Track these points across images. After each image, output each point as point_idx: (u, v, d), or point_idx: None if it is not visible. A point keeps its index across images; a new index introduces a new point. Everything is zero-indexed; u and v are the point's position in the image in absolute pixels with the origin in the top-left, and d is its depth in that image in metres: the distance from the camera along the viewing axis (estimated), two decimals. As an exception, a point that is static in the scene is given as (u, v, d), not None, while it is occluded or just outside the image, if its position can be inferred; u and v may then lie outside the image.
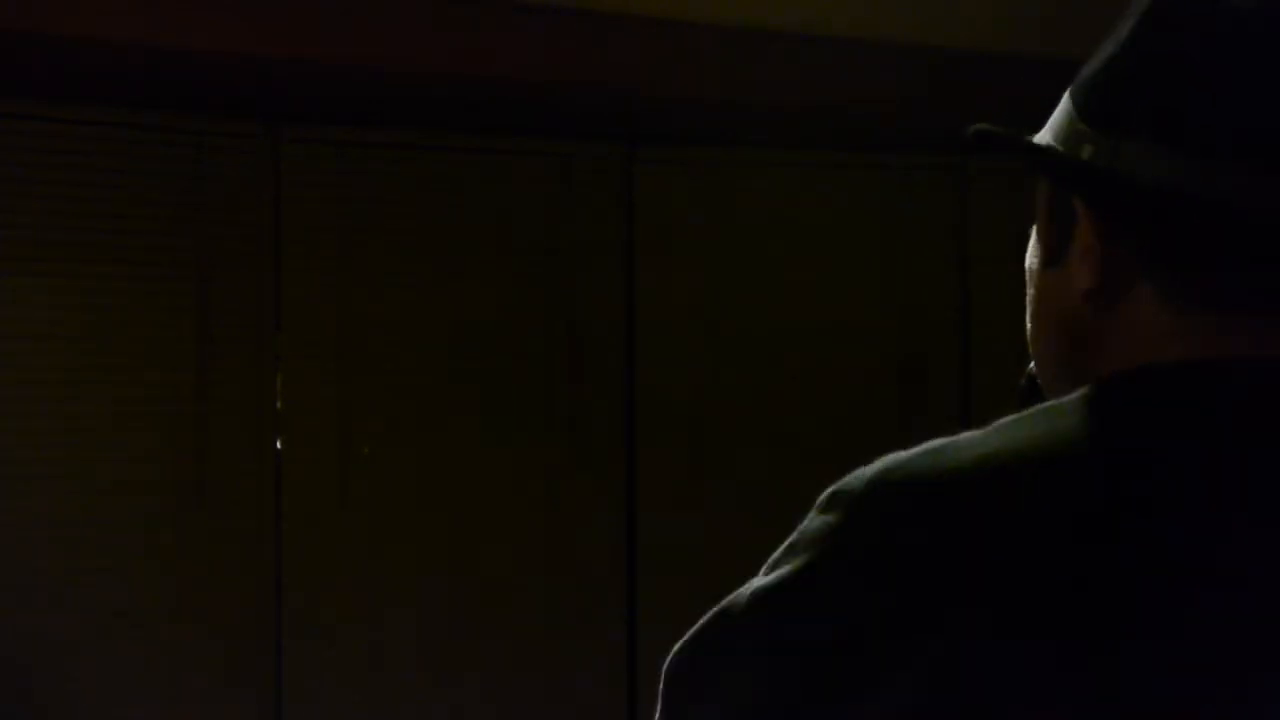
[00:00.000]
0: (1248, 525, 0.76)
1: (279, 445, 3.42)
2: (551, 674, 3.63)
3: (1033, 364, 0.98)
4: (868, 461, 0.89)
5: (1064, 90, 0.93)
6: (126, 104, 3.29)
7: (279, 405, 3.43)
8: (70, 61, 3.03)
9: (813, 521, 0.84)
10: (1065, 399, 0.84)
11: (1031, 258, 0.93)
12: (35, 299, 3.21)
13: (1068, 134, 0.87)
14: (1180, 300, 0.82)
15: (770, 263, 3.81)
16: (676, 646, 0.90)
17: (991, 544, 0.77)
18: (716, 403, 3.77)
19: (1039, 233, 0.92)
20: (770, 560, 0.86)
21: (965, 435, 0.84)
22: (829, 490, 0.85)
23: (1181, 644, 0.74)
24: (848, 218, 3.86)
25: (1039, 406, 0.86)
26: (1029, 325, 0.94)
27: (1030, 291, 0.93)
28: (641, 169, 3.74)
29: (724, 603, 0.87)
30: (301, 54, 3.03)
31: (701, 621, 0.88)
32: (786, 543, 0.85)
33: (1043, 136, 0.91)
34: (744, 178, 3.81)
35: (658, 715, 0.89)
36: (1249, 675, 0.74)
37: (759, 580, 0.85)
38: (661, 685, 0.90)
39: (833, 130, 3.72)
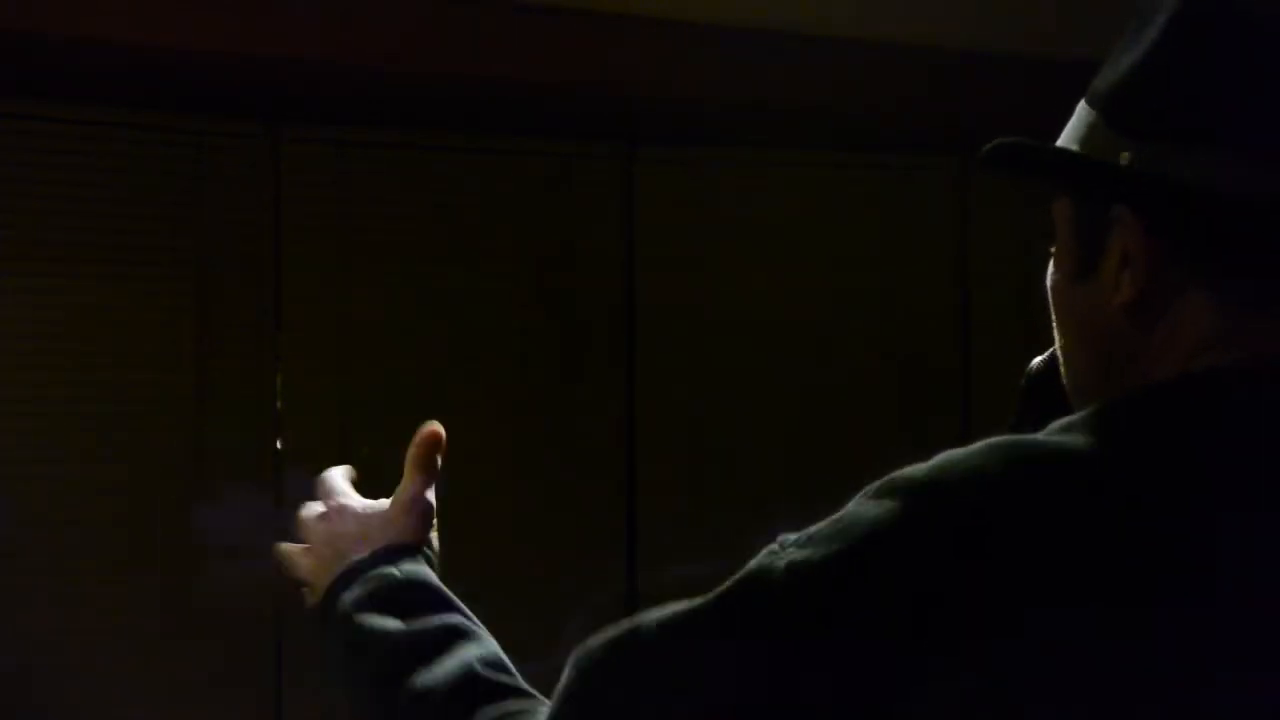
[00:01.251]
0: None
1: (279, 445, 3.42)
2: (551, 673, 3.63)
3: (1034, 362, 0.97)
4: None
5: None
6: (126, 104, 3.28)
7: (279, 405, 3.42)
8: (70, 61, 3.03)
9: (864, 507, 0.81)
10: (1092, 410, 0.83)
11: (1054, 275, 0.91)
12: (34, 299, 3.21)
13: (1097, 144, 0.85)
14: (1234, 304, 0.82)
15: (770, 263, 3.80)
16: (661, 618, 0.87)
17: (1053, 543, 0.76)
18: (716, 403, 3.77)
19: (1062, 248, 0.90)
20: (798, 538, 0.83)
21: (1025, 436, 0.83)
22: (884, 480, 0.82)
23: (1248, 652, 0.74)
24: (848, 218, 3.86)
25: (1092, 409, 0.84)
26: (1060, 343, 0.92)
27: (1057, 309, 0.91)
28: (641, 169, 3.74)
29: (741, 575, 0.85)
30: (301, 54, 3.03)
31: (706, 599, 0.86)
32: (824, 525, 0.82)
33: (1072, 146, 0.88)
34: (744, 178, 3.81)
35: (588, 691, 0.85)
36: None
37: (792, 554, 0.82)
38: (631, 661, 0.87)
39: (833, 130, 3.71)
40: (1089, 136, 0.86)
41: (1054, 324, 0.92)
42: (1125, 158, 0.83)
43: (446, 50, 3.14)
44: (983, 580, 0.75)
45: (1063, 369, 0.93)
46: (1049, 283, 0.91)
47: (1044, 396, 0.94)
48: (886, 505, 0.80)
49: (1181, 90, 0.82)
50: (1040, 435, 0.82)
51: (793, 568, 0.81)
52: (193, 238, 3.34)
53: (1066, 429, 0.82)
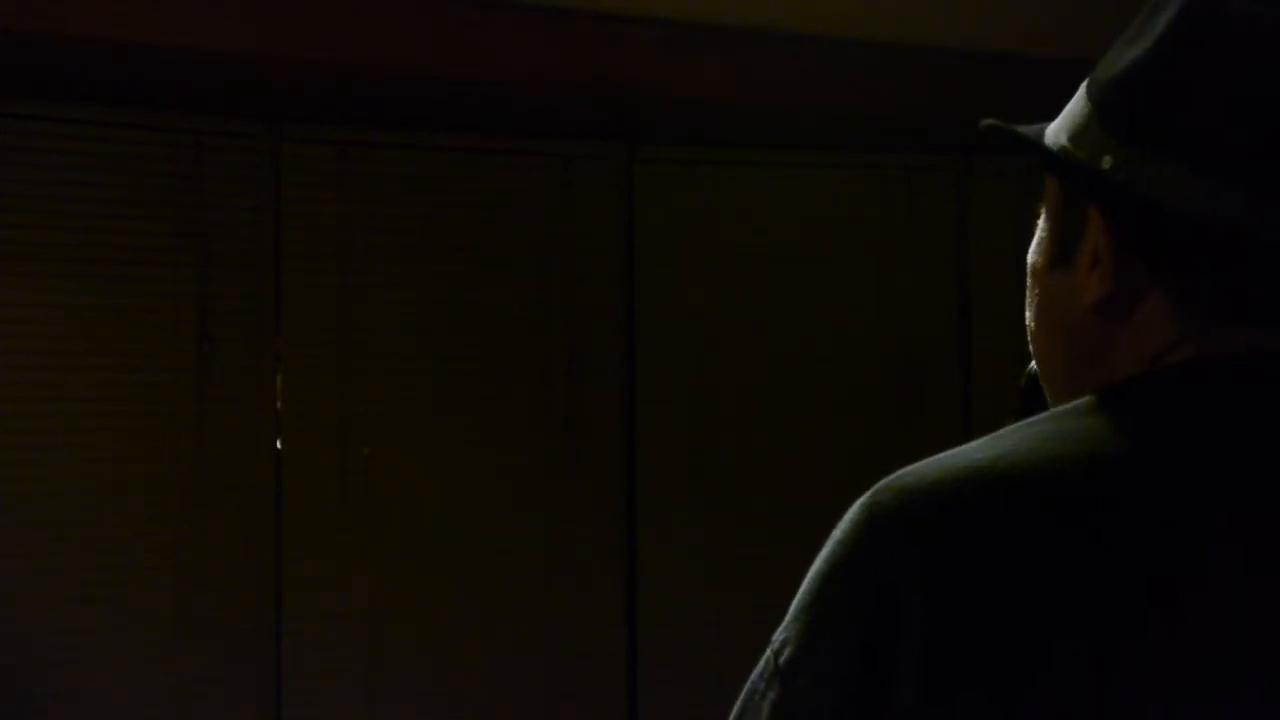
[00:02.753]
0: (1249, 535, 0.76)
1: (279, 445, 3.42)
2: (551, 674, 3.63)
3: (1033, 363, 0.97)
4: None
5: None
6: (126, 104, 3.29)
7: (279, 405, 3.43)
8: (70, 61, 3.03)
9: (827, 570, 0.82)
10: (1072, 404, 0.84)
11: (1035, 255, 0.92)
12: (35, 299, 3.21)
13: (1087, 137, 0.85)
14: (1194, 314, 0.82)
15: (770, 263, 3.81)
16: None
17: (997, 553, 0.76)
18: (716, 402, 3.77)
19: (1045, 230, 0.91)
20: (780, 629, 0.84)
21: (969, 445, 0.83)
22: (850, 517, 0.83)
23: (1199, 650, 0.74)
24: (848, 218, 3.86)
25: (1046, 413, 0.85)
26: (1031, 325, 0.93)
27: (1033, 290, 0.92)
28: (641, 169, 3.74)
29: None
30: (301, 54, 3.03)
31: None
32: (797, 599, 0.84)
33: (1057, 131, 0.89)
34: (744, 178, 3.81)
35: None
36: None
37: (776, 644, 0.83)
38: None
39: (833, 130, 3.71)
40: (1083, 129, 0.86)
41: (1027, 301, 0.93)
42: (1108, 161, 0.83)
43: (446, 50, 3.14)
44: (926, 594, 0.76)
45: (1031, 348, 0.94)
46: (1030, 260, 0.92)
47: (1043, 396, 0.94)
48: (835, 536, 0.81)
49: (1166, 106, 0.82)
50: (984, 440, 0.83)
51: (777, 654, 0.82)
52: (193, 238, 3.34)
53: (1014, 434, 0.82)
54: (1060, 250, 0.88)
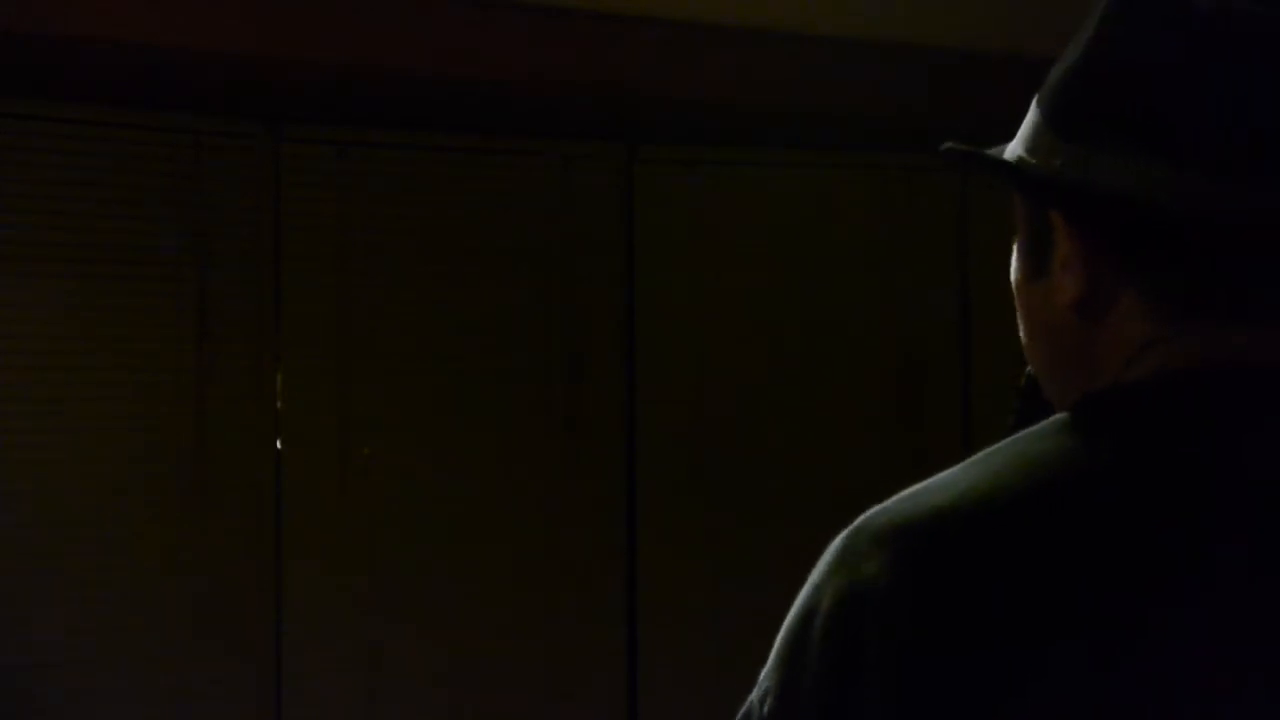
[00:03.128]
0: (1232, 536, 0.76)
1: (279, 445, 3.42)
2: (551, 674, 3.63)
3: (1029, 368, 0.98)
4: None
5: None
6: (126, 104, 3.29)
7: (279, 405, 3.43)
8: (70, 61, 3.03)
9: (802, 616, 0.83)
10: (1042, 425, 0.84)
11: (1014, 272, 0.93)
12: (35, 299, 3.21)
13: (1038, 144, 0.86)
14: (1165, 309, 0.82)
15: (770, 263, 3.81)
16: None
17: (964, 596, 0.76)
18: (716, 402, 3.77)
19: (1019, 246, 0.92)
20: (761, 678, 0.86)
21: (941, 477, 0.83)
22: (825, 563, 0.83)
23: (1172, 656, 0.74)
24: (848, 218, 3.86)
25: (1018, 435, 0.85)
26: (1022, 338, 0.94)
27: (1019, 305, 0.93)
28: (641, 169, 3.74)
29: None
30: (301, 54, 3.03)
31: None
32: (775, 648, 0.85)
33: (1014, 147, 0.90)
34: (744, 178, 3.81)
35: None
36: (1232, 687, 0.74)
37: (760, 690, 0.84)
38: None
39: (833, 130, 3.71)
40: (1034, 136, 0.87)
41: (1019, 318, 0.93)
42: (1059, 161, 0.84)
43: (446, 50, 3.14)
44: (897, 633, 0.76)
45: (1029, 361, 0.94)
46: (1012, 278, 0.93)
47: (1043, 396, 0.94)
48: (811, 579, 0.81)
49: (1106, 95, 0.83)
50: (957, 470, 0.83)
51: (760, 703, 0.83)
52: (193, 238, 3.34)
53: (984, 461, 0.82)
54: (1035, 261, 0.89)
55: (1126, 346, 0.83)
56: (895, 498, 0.82)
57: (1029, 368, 0.97)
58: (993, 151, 0.93)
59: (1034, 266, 0.89)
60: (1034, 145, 0.87)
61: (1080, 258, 0.84)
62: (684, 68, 3.33)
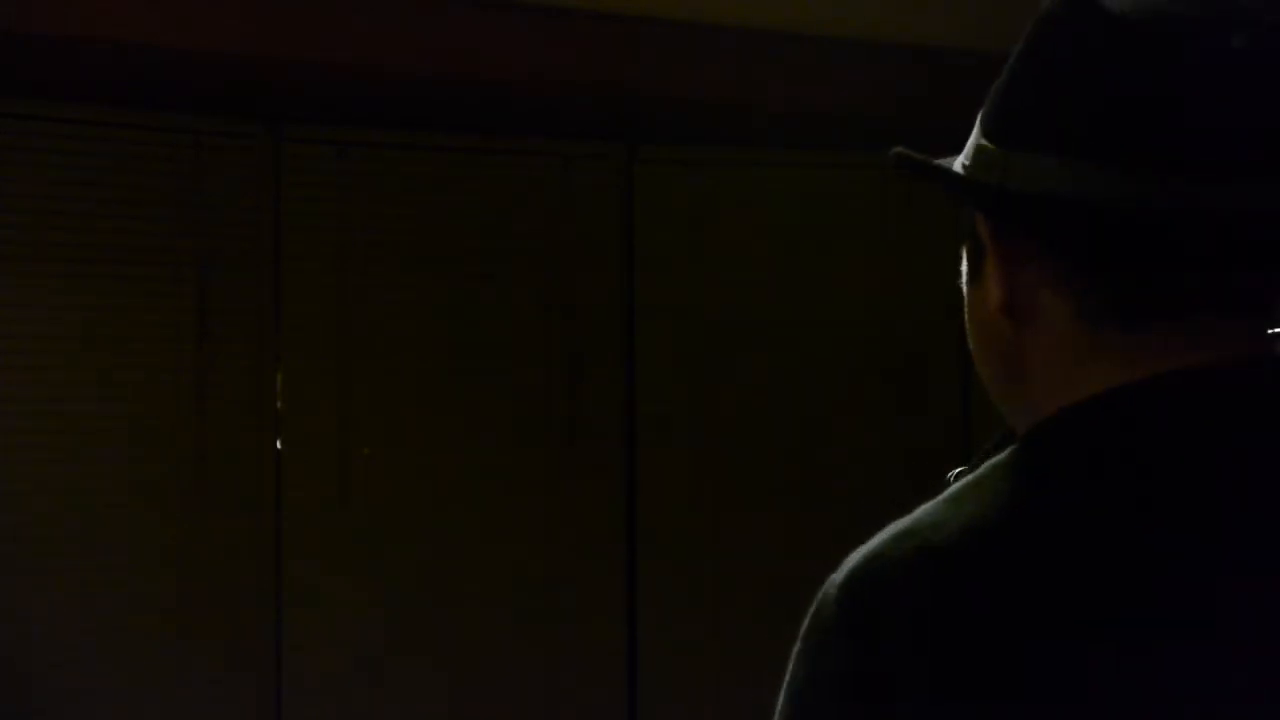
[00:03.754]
0: (1190, 558, 0.76)
1: (279, 445, 3.42)
2: (551, 674, 3.63)
3: None
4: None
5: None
6: (126, 104, 3.29)
7: (279, 405, 3.43)
8: (70, 61, 3.03)
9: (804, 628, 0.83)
10: (1000, 458, 0.84)
11: (962, 277, 0.93)
12: (35, 299, 3.21)
13: (973, 151, 0.87)
14: (1090, 316, 0.82)
15: (769, 263, 3.81)
16: None
17: (950, 629, 0.76)
18: (716, 403, 3.77)
19: (963, 251, 0.93)
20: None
21: (912, 518, 0.83)
22: (813, 614, 0.83)
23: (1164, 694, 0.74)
24: (848, 218, 3.86)
25: (972, 477, 0.84)
26: (969, 341, 0.94)
27: (966, 310, 0.93)
28: (641, 169, 3.75)
29: None
30: (301, 54, 3.03)
31: None
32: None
33: (961, 158, 0.91)
34: (744, 178, 3.81)
35: None
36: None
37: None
38: None
39: (833, 130, 3.71)
40: (971, 145, 0.88)
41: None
42: (985, 166, 0.85)
43: (446, 50, 3.14)
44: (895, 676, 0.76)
45: (977, 368, 0.95)
46: (961, 280, 0.94)
47: None
48: (809, 624, 0.81)
49: (1022, 98, 0.84)
50: (928, 509, 0.82)
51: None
52: (193, 238, 3.34)
53: (950, 503, 0.82)
54: (972, 266, 0.90)
55: (1062, 356, 0.83)
56: (869, 546, 0.82)
57: None
58: (943, 161, 0.94)
59: (972, 271, 0.90)
60: (971, 153, 0.88)
61: (999, 261, 0.85)
62: (684, 68, 3.33)
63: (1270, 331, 0.82)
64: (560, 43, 3.21)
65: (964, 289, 0.92)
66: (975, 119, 0.91)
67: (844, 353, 3.85)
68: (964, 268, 0.93)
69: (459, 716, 3.56)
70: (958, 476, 0.88)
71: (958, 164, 0.90)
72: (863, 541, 0.83)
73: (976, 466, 0.86)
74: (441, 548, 3.55)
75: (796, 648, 0.82)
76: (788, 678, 0.82)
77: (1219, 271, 0.79)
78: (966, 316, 0.92)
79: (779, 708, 0.82)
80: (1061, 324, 0.83)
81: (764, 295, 3.80)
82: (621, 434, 3.71)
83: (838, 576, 0.81)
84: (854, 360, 3.86)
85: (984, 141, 0.86)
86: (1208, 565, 0.75)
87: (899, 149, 0.94)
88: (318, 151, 3.47)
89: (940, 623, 0.76)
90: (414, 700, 3.51)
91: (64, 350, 3.24)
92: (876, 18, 3.35)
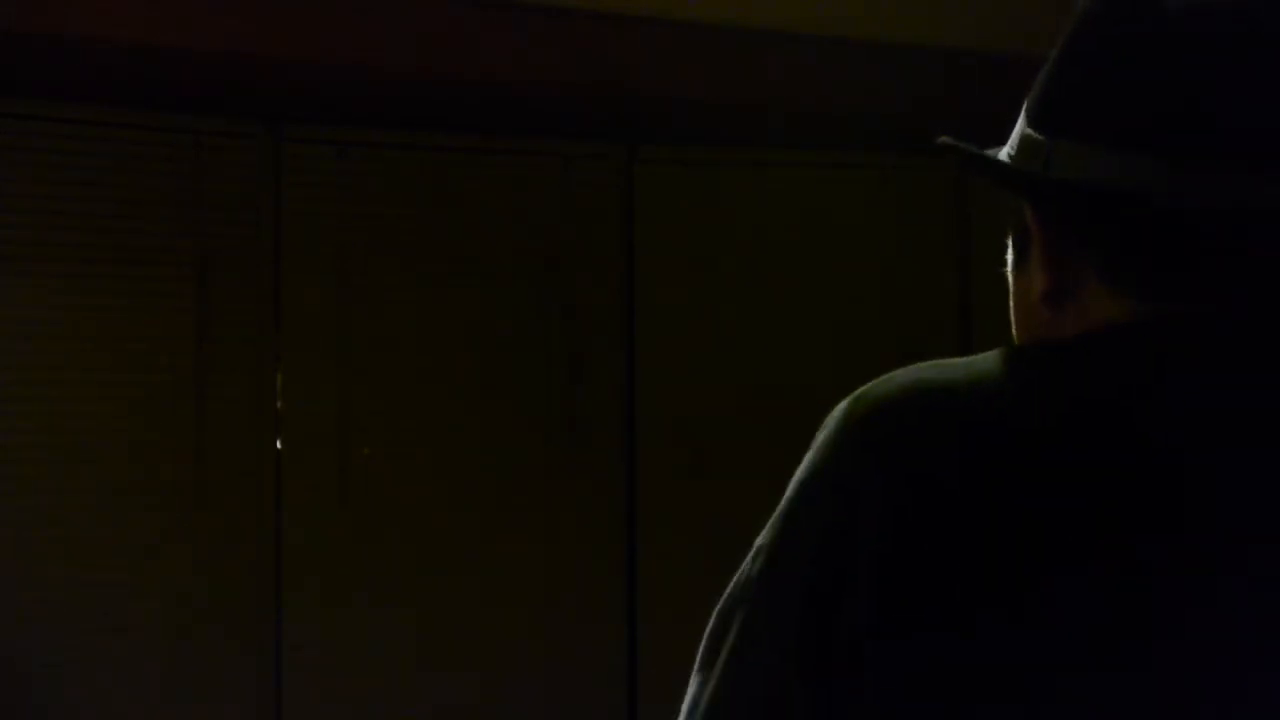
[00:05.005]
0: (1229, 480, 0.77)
1: (279, 445, 3.42)
2: (551, 673, 3.63)
3: None
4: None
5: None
6: (126, 104, 3.29)
7: (279, 405, 3.43)
8: (70, 61, 3.03)
9: (801, 477, 0.87)
10: (1049, 343, 0.87)
11: (1006, 266, 0.96)
12: (35, 299, 3.21)
13: (1019, 142, 0.89)
14: (1132, 296, 0.83)
15: (770, 263, 3.81)
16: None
17: (964, 477, 0.78)
18: (716, 403, 3.77)
19: (1008, 239, 0.95)
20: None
21: (954, 360, 0.86)
22: (832, 419, 0.87)
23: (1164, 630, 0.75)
24: (848, 218, 3.86)
25: (1030, 347, 0.88)
26: (1013, 327, 0.96)
27: (1010, 297, 0.96)
28: (641, 169, 3.74)
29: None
30: (301, 54, 3.03)
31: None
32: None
33: (1007, 148, 0.92)
34: (744, 178, 3.81)
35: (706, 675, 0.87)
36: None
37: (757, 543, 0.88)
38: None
39: (832, 130, 3.71)
40: (1016, 135, 0.90)
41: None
42: (1032, 155, 0.87)
43: (446, 50, 3.14)
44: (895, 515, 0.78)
45: None
46: (1007, 268, 0.96)
47: None
48: (817, 440, 0.85)
49: (1069, 88, 0.86)
50: (957, 362, 0.85)
51: (753, 561, 0.87)
52: (193, 238, 3.34)
53: (984, 361, 0.85)
54: (1017, 254, 0.92)
55: (1096, 327, 0.85)
56: (902, 371, 0.85)
57: None
58: (989, 151, 0.95)
59: (1017, 259, 0.93)
60: (1017, 143, 0.90)
61: (1045, 248, 0.87)
62: (684, 68, 3.33)
63: None
64: (560, 43, 3.21)
65: (1009, 277, 0.95)
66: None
67: (844, 352, 3.85)
68: (1009, 256, 0.95)
69: (459, 715, 3.55)
70: None
71: (1003, 154, 0.92)
72: None
73: None
74: (441, 546, 3.55)
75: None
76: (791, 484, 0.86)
77: (1260, 262, 0.81)
78: (1012, 303, 0.95)
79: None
80: (1099, 304, 0.85)
81: (764, 295, 3.80)
82: (621, 433, 3.71)
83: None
84: (853, 360, 3.86)
85: (1029, 131, 0.87)
86: (1199, 462, 0.77)
87: (945, 139, 0.95)
88: (318, 151, 3.47)
89: (924, 452, 0.78)
90: (414, 699, 3.51)
91: (64, 350, 3.24)
92: (878, 18, 3.35)
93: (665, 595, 3.72)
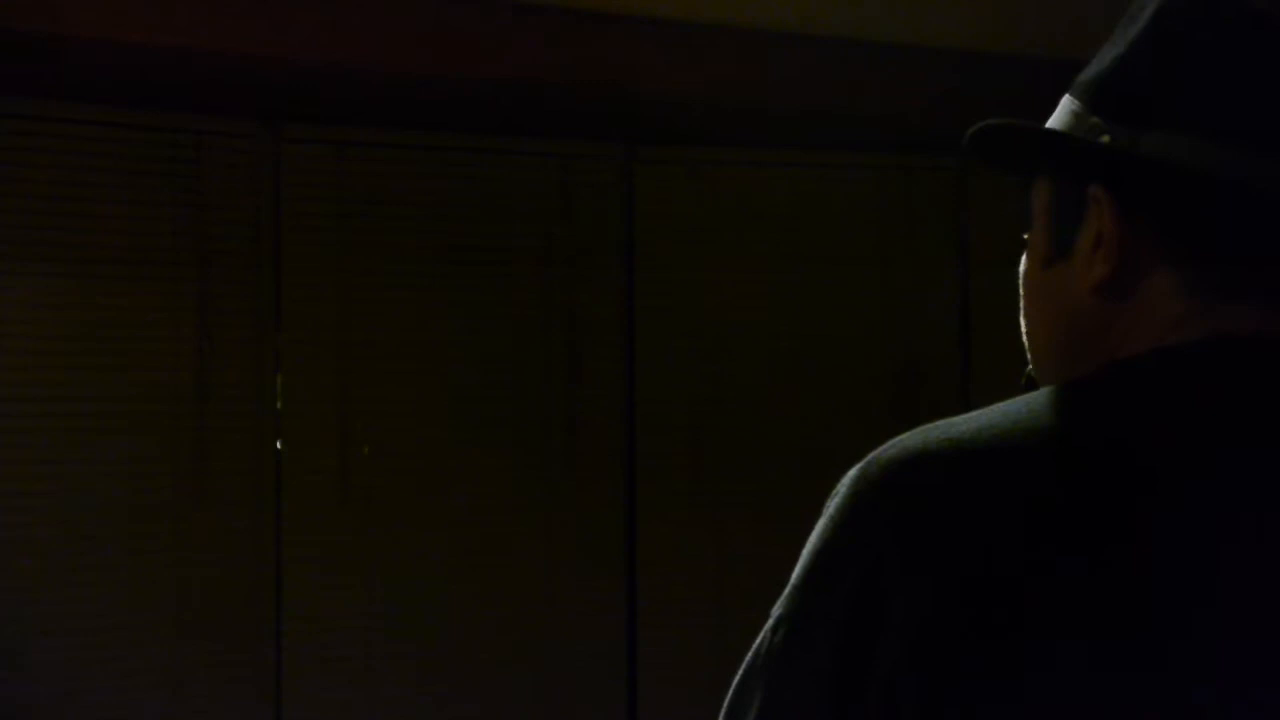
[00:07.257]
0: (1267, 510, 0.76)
1: (279, 445, 3.42)
2: (551, 673, 3.63)
3: (1031, 366, 0.98)
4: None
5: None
6: (126, 104, 3.29)
7: (279, 405, 3.43)
8: (70, 61, 3.03)
9: (819, 536, 0.84)
10: (1075, 380, 0.85)
11: (1027, 262, 0.94)
12: (35, 298, 3.21)
13: (1078, 129, 0.88)
14: (1201, 288, 0.83)
15: (770, 263, 3.81)
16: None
17: (984, 533, 0.77)
18: (716, 403, 3.77)
19: (1037, 232, 0.92)
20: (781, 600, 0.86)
21: (966, 415, 0.84)
22: (841, 488, 0.85)
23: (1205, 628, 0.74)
24: (848, 218, 3.86)
25: (1049, 388, 0.86)
26: (1025, 327, 0.94)
27: (1027, 294, 0.94)
28: (641, 169, 3.74)
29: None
30: (301, 54, 3.03)
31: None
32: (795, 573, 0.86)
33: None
34: (744, 178, 3.81)
35: None
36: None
37: (776, 614, 0.85)
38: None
39: (832, 130, 3.71)
40: (1072, 124, 0.89)
41: (1022, 311, 0.95)
42: (1105, 139, 0.86)
43: (446, 50, 3.14)
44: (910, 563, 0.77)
45: (1029, 355, 0.95)
46: (1021, 270, 0.94)
47: None
48: (830, 505, 0.83)
49: (1159, 79, 0.85)
50: (982, 412, 0.84)
51: (773, 632, 0.84)
52: (193, 238, 3.34)
53: (1013, 406, 0.83)
54: (1056, 245, 0.90)
55: (1155, 325, 0.84)
56: (911, 434, 0.84)
57: (1029, 367, 0.98)
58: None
59: (1055, 250, 0.90)
60: (1075, 128, 0.88)
61: (1116, 234, 0.85)
62: (684, 68, 3.33)
63: None
64: (560, 43, 3.21)
65: (1030, 272, 0.93)
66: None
67: (843, 352, 3.85)
68: (1029, 258, 0.93)
69: (459, 716, 3.55)
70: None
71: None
72: None
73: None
74: (441, 546, 3.55)
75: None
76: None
77: None
78: (1035, 300, 0.93)
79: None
80: (1168, 296, 0.84)
81: (764, 295, 3.80)
82: (622, 434, 3.71)
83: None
84: (853, 360, 3.86)
85: (1103, 120, 0.86)
86: (1219, 505, 0.76)
87: (1011, 120, 0.92)
88: (318, 151, 3.47)
89: (950, 502, 0.77)
90: (414, 699, 3.51)
91: (64, 349, 3.24)
92: (877, 18, 3.35)
93: (665, 595, 3.72)
